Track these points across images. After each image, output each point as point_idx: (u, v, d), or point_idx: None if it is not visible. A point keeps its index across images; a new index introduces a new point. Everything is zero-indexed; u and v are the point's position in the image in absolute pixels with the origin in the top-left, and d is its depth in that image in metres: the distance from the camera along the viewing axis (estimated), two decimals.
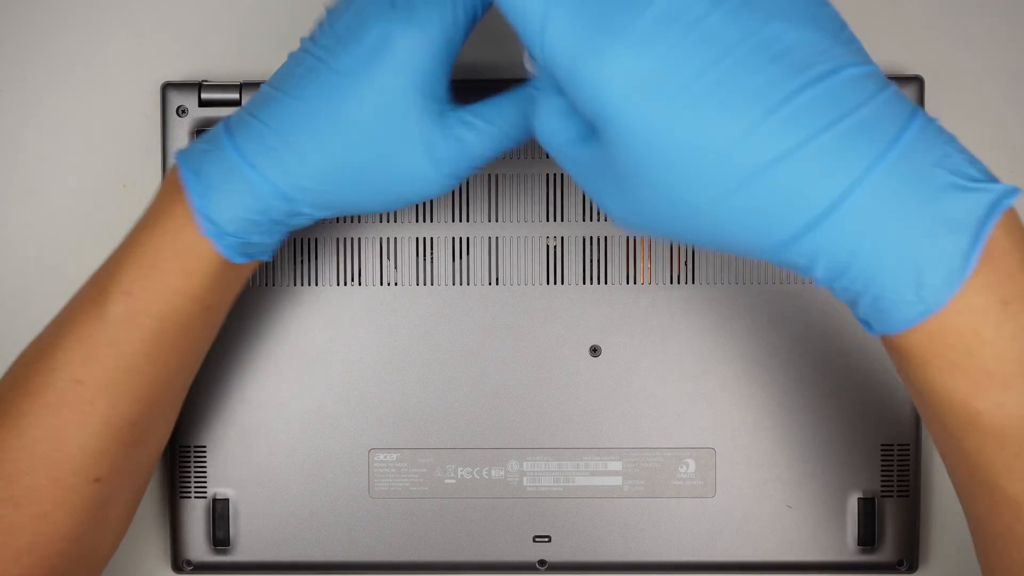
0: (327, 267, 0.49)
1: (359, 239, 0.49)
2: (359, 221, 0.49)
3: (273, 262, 0.49)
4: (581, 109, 0.33)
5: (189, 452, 0.49)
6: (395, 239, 0.49)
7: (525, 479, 0.49)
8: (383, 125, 0.38)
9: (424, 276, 0.49)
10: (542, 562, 0.49)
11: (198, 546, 0.49)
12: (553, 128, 0.36)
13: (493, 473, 0.49)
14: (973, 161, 0.31)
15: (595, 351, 0.49)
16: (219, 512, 0.49)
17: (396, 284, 0.49)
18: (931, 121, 0.32)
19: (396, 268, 0.49)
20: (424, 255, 0.49)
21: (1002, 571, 0.35)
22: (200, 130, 0.48)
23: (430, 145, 0.39)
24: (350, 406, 0.49)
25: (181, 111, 0.48)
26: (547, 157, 0.48)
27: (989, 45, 0.50)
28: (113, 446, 0.41)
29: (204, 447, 0.49)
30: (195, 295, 0.41)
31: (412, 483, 0.49)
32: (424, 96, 0.39)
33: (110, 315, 0.40)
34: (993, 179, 0.31)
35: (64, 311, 0.42)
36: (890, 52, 0.50)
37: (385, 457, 0.49)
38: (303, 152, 0.39)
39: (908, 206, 0.30)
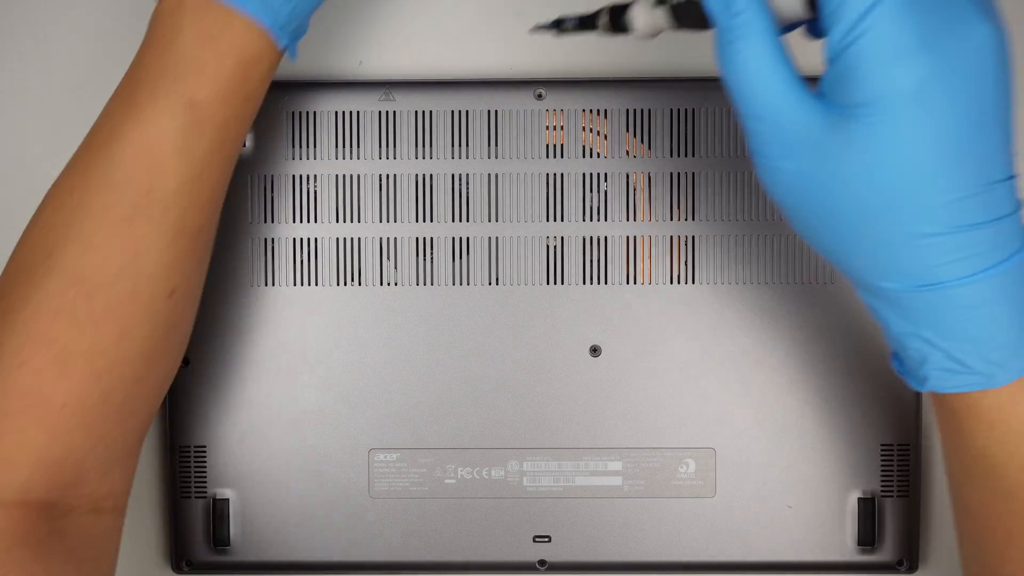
0: (327, 267, 0.49)
1: (359, 239, 0.49)
2: (359, 221, 0.49)
3: (273, 262, 0.49)
4: (852, 91, 0.33)
5: (189, 452, 0.49)
6: (395, 239, 0.49)
7: (525, 479, 0.49)
8: None
9: (424, 276, 0.49)
10: (542, 562, 0.49)
11: (198, 546, 0.49)
12: (767, 77, 0.34)
13: (493, 473, 0.49)
14: None
15: (595, 351, 0.49)
16: (219, 512, 0.49)
17: (396, 284, 0.49)
18: None
19: (396, 268, 0.49)
20: (424, 255, 0.49)
21: None
22: None
23: None
24: (350, 406, 0.49)
25: None
26: (547, 157, 0.48)
27: None
28: (184, 256, 0.41)
29: (204, 447, 0.49)
30: (252, 94, 0.42)
31: (412, 483, 0.49)
32: None
33: (177, 125, 0.40)
34: None
35: (95, 139, 0.42)
36: None
37: (385, 457, 0.49)
38: None
39: (1010, 302, 0.34)
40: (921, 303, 0.35)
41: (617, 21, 0.38)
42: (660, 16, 0.37)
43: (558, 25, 0.40)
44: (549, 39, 0.48)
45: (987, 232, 0.34)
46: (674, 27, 0.37)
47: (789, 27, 0.36)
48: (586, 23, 0.39)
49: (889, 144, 0.33)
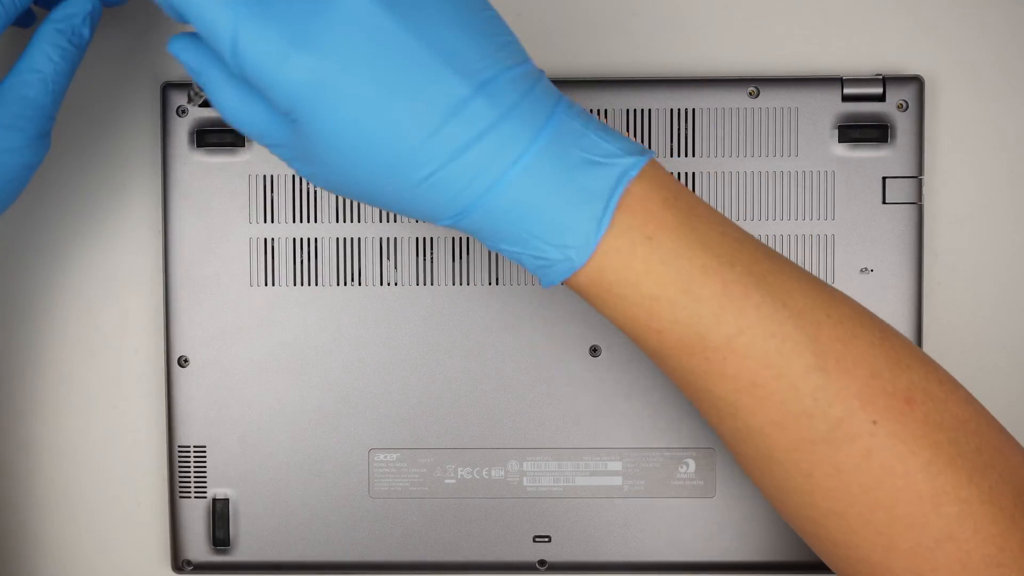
0: (327, 267, 0.49)
1: (359, 239, 0.49)
2: (359, 221, 0.49)
3: (273, 262, 0.49)
4: (275, 104, 0.35)
5: (189, 452, 0.49)
6: (395, 239, 0.49)
7: (525, 479, 0.49)
8: None
9: (424, 276, 0.49)
10: (542, 562, 0.49)
11: (198, 546, 0.49)
12: (242, 113, 0.37)
13: (493, 473, 0.49)
14: (611, 138, 0.36)
15: (595, 351, 0.49)
16: (219, 512, 0.49)
17: (396, 284, 0.49)
18: (572, 106, 0.36)
19: (396, 268, 0.49)
20: (424, 255, 0.49)
21: (746, 464, 0.39)
22: (200, 130, 0.48)
23: None
24: (350, 406, 0.49)
25: (181, 111, 0.48)
26: None
27: (989, 45, 0.50)
28: None
29: (204, 447, 0.49)
30: None
31: (412, 483, 0.49)
32: None
33: None
34: (627, 151, 0.36)
35: None
36: (890, 52, 0.50)
37: (385, 457, 0.49)
38: None
39: (552, 182, 0.35)
40: (477, 225, 0.36)
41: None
42: None
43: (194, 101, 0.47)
44: (549, 38, 0.48)
45: (484, 143, 0.34)
46: None
47: None
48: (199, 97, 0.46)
49: (332, 131, 0.34)
